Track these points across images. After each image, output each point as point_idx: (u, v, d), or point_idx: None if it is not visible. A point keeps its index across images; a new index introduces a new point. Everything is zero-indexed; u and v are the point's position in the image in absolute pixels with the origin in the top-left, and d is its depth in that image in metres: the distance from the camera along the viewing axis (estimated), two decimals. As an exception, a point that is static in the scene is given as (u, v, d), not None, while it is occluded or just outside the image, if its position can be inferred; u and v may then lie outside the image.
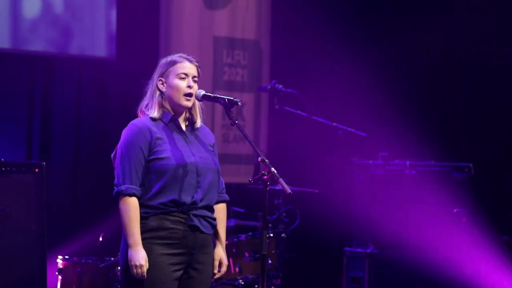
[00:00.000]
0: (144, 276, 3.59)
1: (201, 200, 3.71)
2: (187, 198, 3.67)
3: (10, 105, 6.75)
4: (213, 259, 3.83)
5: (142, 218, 3.65)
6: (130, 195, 3.63)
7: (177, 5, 7.47)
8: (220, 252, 3.86)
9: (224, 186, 3.94)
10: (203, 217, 3.73)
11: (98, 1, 7.00)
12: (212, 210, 3.79)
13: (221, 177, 3.90)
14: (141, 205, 3.67)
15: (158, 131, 3.72)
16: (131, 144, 3.69)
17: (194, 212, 3.69)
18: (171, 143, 3.71)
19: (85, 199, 6.96)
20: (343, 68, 7.65)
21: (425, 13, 7.90)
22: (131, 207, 3.62)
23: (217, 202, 3.87)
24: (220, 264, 3.85)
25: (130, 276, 3.65)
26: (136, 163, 3.67)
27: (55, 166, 6.80)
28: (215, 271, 3.85)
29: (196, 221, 3.69)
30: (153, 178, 3.67)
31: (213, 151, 3.85)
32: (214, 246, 3.86)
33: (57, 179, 6.83)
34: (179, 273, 3.69)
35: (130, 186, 3.64)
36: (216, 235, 3.87)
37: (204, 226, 3.73)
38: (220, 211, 3.89)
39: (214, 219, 3.80)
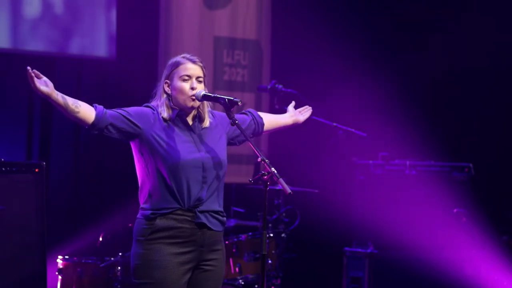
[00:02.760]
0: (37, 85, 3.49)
1: (206, 196, 3.70)
2: (192, 194, 3.66)
3: (10, 105, 6.75)
4: (224, 257, 3.81)
5: (149, 219, 3.65)
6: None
7: (177, 5, 7.47)
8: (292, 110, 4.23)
9: (256, 115, 4.08)
10: (210, 212, 3.71)
11: (98, 1, 7.00)
12: (220, 205, 3.78)
13: (256, 113, 4.08)
14: (147, 206, 3.67)
15: (164, 125, 3.71)
16: (128, 110, 3.69)
17: (201, 208, 3.69)
18: (176, 139, 3.70)
19: (85, 199, 6.97)
20: (343, 68, 7.65)
21: (426, 13, 7.90)
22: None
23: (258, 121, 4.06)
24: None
25: (139, 277, 3.65)
26: (120, 114, 3.64)
27: (55, 166, 6.80)
28: (301, 114, 4.24)
29: (203, 218, 3.68)
30: (158, 175, 3.65)
31: (227, 131, 3.89)
32: (225, 243, 3.84)
33: (57, 179, 6.83)
34: (189, 273, 3.68)
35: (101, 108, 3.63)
36: (282, 118, 4.19)
37: (211, 223, 3.72)
38: (263, 118, 4.09)
39: (223, 215, 3.79)
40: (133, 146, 3.74)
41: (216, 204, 3.75)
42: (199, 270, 3.71)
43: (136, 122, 3.66)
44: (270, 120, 4.14)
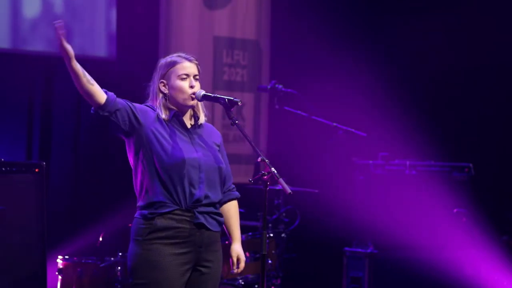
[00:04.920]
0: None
1: (204, 197, 3.70)
2: (189, 194, 3.66)
3: (10, 105, 6.75)
4: (221, 257, 3.82)
5: (148, 219, 3.64)
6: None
7: (177, 5, 7.47)
8: (237, 249, 3.89)
9: (233, 185, 3.96)
10: (208, 213, 3.72)
11: (98, 1, 7.00)
12: (216, 207, 3.78)
13: (230, 176, 3.93)
14: (146, 205, 3.66)
15: (162, 125, 3.73)
16: (134, 103, 3.73)
17: (199, 209, 3.69)
18: (174, 138, 3.71)
19: (85, 199, 6.96)
20: (343, 68, 7.65)
21: (425, 14, 7.90)
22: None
23: (229, 200, 3.91)
24: (238, 260, 3.88)
25: (138, 277, 3.64)
26: (127, 104, 3.68)
27: (55, 166, 6.80)
28: (234, 268, 3.87)
29: (201, 219, 3.68)
30: (155, 174, 3.65)
31: (219, 150, 3.85)
32: (225, 243, 3.83)
33: (57, 179, 6.83)
34: (187, 273, 3.68)
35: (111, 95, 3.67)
36: (230, 231, 3.93)
37: (210, 223, 3.72)
38: (232, 208, 3.94)
39: (221, 215, 3.80)
40: (128, 142, 3.73)
41: (213, 206, 3.75)
42: (197, 272, 3.71)
43: (139, 117, 3.68)
44: (231, 215, 3.95)
